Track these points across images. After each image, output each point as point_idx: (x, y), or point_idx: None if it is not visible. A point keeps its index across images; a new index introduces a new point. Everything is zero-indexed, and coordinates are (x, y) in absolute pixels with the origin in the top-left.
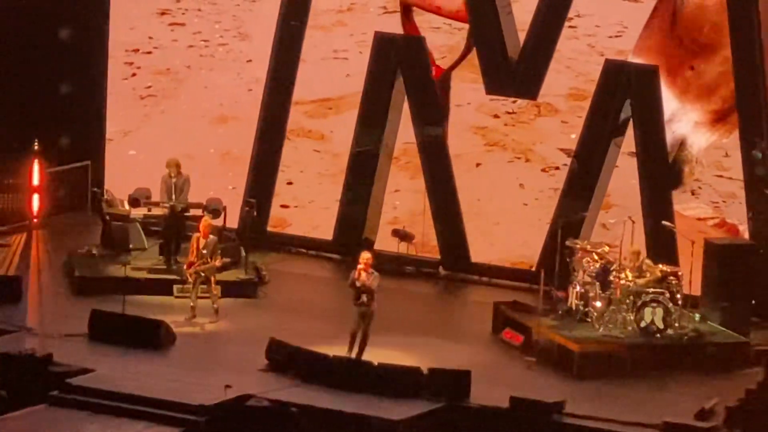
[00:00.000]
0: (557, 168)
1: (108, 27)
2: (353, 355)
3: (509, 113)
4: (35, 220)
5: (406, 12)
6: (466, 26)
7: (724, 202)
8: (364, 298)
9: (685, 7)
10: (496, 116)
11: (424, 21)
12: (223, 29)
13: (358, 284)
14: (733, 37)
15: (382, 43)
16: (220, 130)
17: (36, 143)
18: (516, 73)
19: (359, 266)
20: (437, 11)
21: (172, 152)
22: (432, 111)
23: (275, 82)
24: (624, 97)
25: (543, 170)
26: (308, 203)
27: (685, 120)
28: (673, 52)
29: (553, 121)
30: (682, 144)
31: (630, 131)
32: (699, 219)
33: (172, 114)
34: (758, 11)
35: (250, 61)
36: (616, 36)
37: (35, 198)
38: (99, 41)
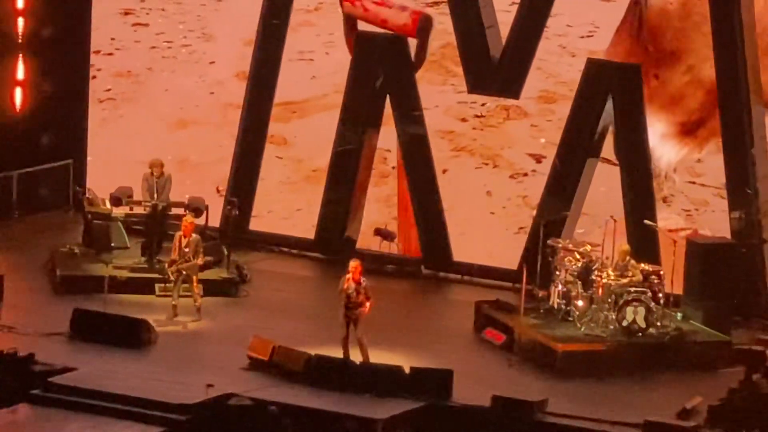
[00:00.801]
0: (525, 174)
1: (90, 27)
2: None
3: (477, 117)
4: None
5: (350, 24)
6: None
7: (696, 209)
8: (353, 306)
9: (649, 12)
10: (464, 120)
11: None
12: (187, 30)
13: (349, 293)
14: (716, 44)
15: (365, 42)
16: (178, 135)
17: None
18: (498, 72)
19: (347, 275)
20: (383, 24)
21: (129, 159)
22: (414, 110)
23: (257, 81)
24: (605, 97)
25: (511, 176)
26: (267, 213)
27: (650, 132)
28: (640, 59)
29: (522, 125)
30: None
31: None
32: (670, 230)
33: (130, 118)
34: (740, 19)
35: (213, 62)
36: (588, 36)
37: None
38: (81, 41)
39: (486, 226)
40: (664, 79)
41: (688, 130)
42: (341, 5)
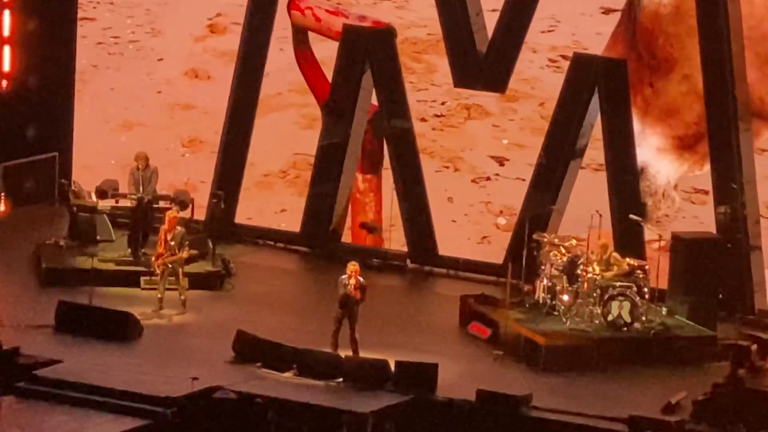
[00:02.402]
0: (488, 178)
1: (76, 18)
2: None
3: (437, 116)
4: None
5: (299, 37)
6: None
7: (667, 216)
8: (350, 305)
9: (642, 16)
10: (423, 120)
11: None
12: (135, 24)
13: (350, 297)
14: (702, 51)
15: (351, 35)
16: (123, 138)
17: None
18: (484, 66)
19: (351, 281)
20: (336, 37)
21: (74, 164)
22: (400, 103)
23: (244, 72)
24: (591, 91)
25: (473, 181)
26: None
27: (645, 145)
28: (634, 66)
29: (484, 125)
30: (643, 172)
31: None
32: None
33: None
34: (728, 26)
35: (161, 59)
36: (549, 31)
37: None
38: (67, 33)
39: (446, 236)
40: (658, 89)
41: (687, 145)
42: (289, 14)
